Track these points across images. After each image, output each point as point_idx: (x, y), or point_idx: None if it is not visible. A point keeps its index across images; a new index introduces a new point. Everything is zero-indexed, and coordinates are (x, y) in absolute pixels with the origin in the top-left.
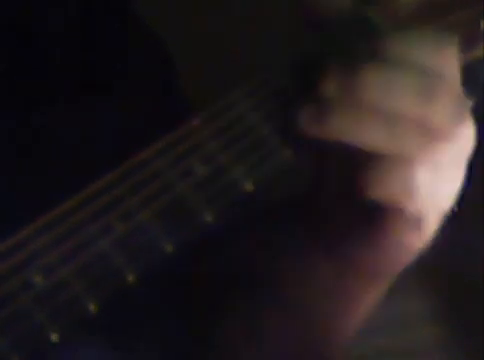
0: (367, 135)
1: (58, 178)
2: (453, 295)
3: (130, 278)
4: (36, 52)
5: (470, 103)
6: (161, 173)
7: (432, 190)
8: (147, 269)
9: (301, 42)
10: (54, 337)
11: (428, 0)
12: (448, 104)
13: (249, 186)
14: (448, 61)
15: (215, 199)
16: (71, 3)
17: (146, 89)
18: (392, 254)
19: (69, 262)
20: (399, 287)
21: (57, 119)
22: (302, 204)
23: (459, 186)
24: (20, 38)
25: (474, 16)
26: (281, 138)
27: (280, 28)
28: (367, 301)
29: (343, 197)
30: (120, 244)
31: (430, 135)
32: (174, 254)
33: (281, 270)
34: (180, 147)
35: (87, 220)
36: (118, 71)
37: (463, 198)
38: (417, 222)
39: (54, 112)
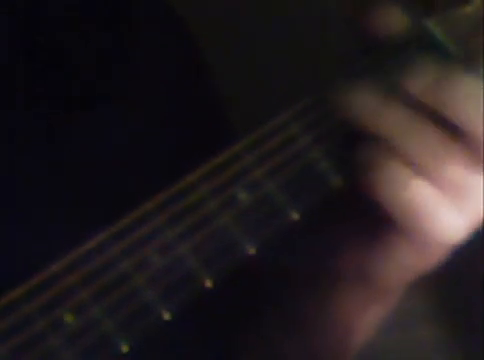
0: (388, 122)
1: (75, 185)
2: (453, 295)
3: (166, 316)
4: (52, 58)
5: None
6: (202, 203)
7: (444, 218)
8: (183, 305)
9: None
10: None
11: None
12: (475, 103)
13: (295, 215)
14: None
15: (258, 229)
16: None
17: (174, 95)
18: (391, 271)
19: (101, 300)
20: None
21: (75, 126)
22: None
23: (478, 220)
24: (32, 42)
25: None
26: (332, 163)
27: (333, 46)
28: (368, 317)
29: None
30: (156, 279)
31: (455, 150)
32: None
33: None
34: (223, 174)
35: (122, 255)
36: (143, 78)
37: None
38: (421, 245)
39: (71, 119)
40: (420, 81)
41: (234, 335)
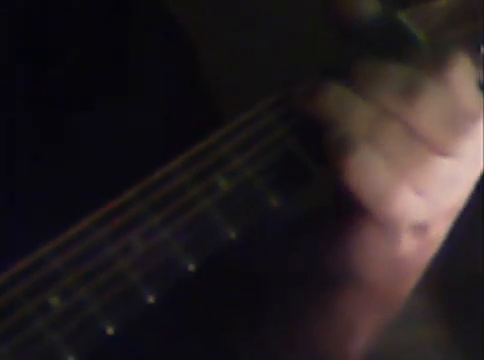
0: (351, 121)
1: (74, 184)
2: (453, 295)
3: (150, 299)
4: (52, 58)
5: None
6: (183, 189)
7: (412, 210)
8: (168, 289)
9: (330, 53)
10: None
11: (462, 5)
12: (438, 111)
13: (274, 201)
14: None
15: (239, 215)
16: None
17: (167, 90)
18: (370, 263)
19: (87, 283)
20: None
21: (74, 126)
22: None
23: (453, 212)
24: (32, 42)
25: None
26: (308, 152)
27: (310, 37)
28: (369, 318)
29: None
30: (140, 264)
31: (416, 140)
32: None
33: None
34: (203, 162)
35: (106, 239)
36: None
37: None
38: (391, 233)
39: (71, 119)
40: (388, 88)
41: (232, 337)
